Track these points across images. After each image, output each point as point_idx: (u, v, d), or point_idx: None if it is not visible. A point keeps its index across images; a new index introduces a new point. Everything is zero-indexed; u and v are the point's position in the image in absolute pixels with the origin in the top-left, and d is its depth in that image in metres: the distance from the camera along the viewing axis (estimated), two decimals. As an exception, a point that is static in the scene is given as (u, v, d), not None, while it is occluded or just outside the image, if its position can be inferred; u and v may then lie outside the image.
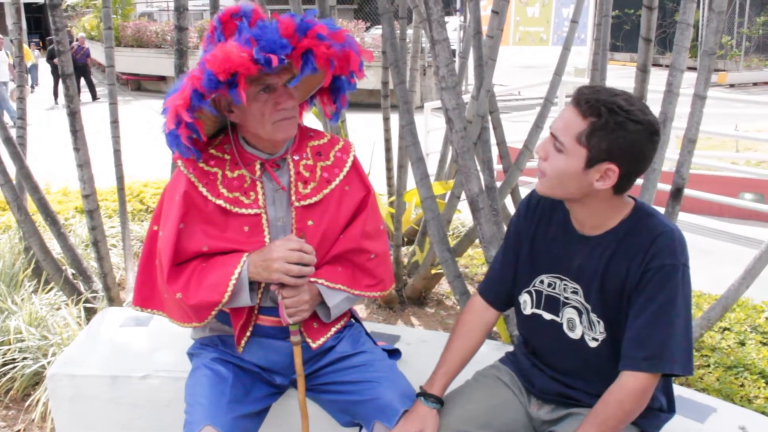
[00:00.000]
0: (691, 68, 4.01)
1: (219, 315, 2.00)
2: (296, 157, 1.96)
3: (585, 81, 6.58)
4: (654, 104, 3.36)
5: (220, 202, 1.89)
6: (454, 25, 17.63)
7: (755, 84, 19.68)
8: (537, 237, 1.81)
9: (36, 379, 3.03)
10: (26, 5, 27.89)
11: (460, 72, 4.26)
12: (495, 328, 3.17)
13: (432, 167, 4.96)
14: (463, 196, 2.75)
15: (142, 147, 9.04)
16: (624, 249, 1.64)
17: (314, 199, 1.94)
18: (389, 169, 4.57)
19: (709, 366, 3.12)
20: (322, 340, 2.00)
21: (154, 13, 27.42)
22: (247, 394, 1.94)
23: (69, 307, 3.35)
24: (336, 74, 1.85)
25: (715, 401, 2.13)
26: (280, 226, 1.93)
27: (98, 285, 3.60)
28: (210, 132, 1.95)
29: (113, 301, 3.51)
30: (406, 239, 4.66)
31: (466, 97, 4.18)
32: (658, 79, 3.53)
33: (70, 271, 3.72)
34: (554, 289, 1.77)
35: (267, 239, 1.90)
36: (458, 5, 16.97)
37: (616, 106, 1.53)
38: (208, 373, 1.95)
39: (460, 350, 1.90)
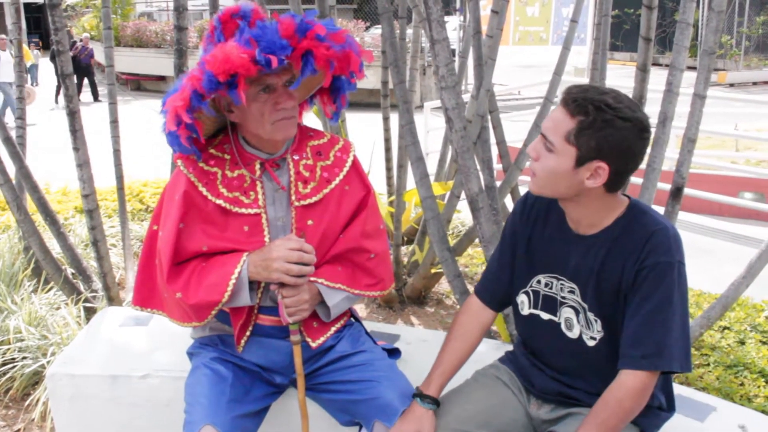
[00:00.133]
0: (691, 68, 4.01)
1: (219, 314, 2.00)
2: (296, 157, 1.96)
3: (585, 80, 6.58)
4: (654, 103, 3.37)
5: (219, 201, 1.89)
6: (453, 24, 17.63)
7: (755, 83, 19.69)
8: (533, 237, 1.81)
9: (36, 379, 3.04)
10: (26, 5, 27.88)
11: (460, 71, 4.26)
12: (495, 327, 3.17)
13: (432, 167, 4.96)
14: (463, 195, 2.75)
15: (141, 147, 9.04)
16: (619, 247, 1.64)
17: (314, 199, 1.94)
18: (389, 169, 4.57)
19: (708, 365, 3.12)
20: (321, 340, 2.00)
21: (153, 12, 27.41)
22: (246, 393, 1.94)
23: (69, 307, 3.35)
24: (336, 74, 1.85)
25: (714, 400, 2.13)
26: (280, 226, 1.93)
27: (98, 284, 3.60)
28: (209, 132, 1.95)
29: (113, 300, 3.51)
30: (405, 238, 4.66)
31: (466, 97, 4.19)
32: (657, 78, 3.53)
33: (69, 270, 3.72)
34: (551, 288, 1.77)
35: (267, 239, 1.90)
36: (458, 5, 16.98)
37: (604, 104, 1.53)
38: (207, 373, 1.95)
39: (457, 351, 1.90)
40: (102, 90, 17.73)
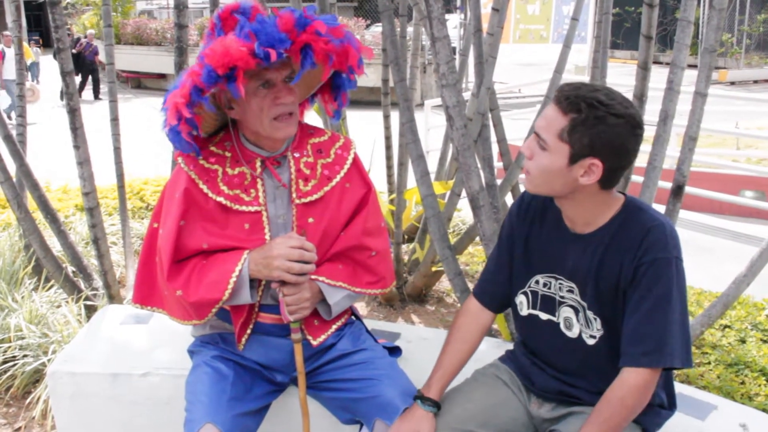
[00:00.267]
0: (692, 66, 4.00)
1: (219, 313, 2.00)
2: (297, 155, 1.96)
3: (585, 79, 6.58)
4: (655, 102, 3.37)
5: (220, 199, 1.89)
6: (454, 22, 17.62)
7: (756, 81, 19.68)
8: (530, 237, 1.81)
9: (36, 377, 3.04)
10: (26, 3, 27.84)
11: (461, 69, 4.26)
12: (495, 326, 3.17)
13: (432, 165, 4.95)
14: (464, 193, 2.75)
15: (142, 145, 9.04)
16: (616, 245, 1.64)
17: (315, 197, 1.94)
18: (390, 167, 4.57)
19: (709, 363, 3.12)
20: (322, 338, 2.00)
21: (154, 10, 27.40)
22: (247, 391, 1.94)
23: (69, 305, 3.35)
24: (335, 69, 1.85)
25: (715, 399, 2.12)
26: (281, 224, 1.92)
27: (98, 283, 3.60)
28: (211, 129, 1.95)
29: (113, 298, 3.51)
30: (406, 237, 4.65)
31: (467, 95, 4.18)
32: (658, 76, 3.53)
33: (70, 268, 3.71)
34: (550, 288, 1.77)
35: (267, 236, 1.90)
36: (458, 3, 16.97)
37: (596, 101, 1.54)
38: (208, 371, 1.95)
39: (457, 353, 1.90)
40: (102, 88, 17.74)
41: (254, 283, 1.89)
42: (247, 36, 1.67)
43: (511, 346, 2.03)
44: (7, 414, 2.93)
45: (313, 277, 1.90)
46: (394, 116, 3.63)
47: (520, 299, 1.84)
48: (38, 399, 2.87)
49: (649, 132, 3.23)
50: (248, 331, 1.98)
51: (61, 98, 17.00)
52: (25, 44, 13.91)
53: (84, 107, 3.31)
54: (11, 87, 13.37)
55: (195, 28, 18.15)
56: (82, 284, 3.63)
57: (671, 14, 20.18)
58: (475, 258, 4.61)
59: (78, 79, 18.16)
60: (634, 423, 1.69)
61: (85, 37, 18.18)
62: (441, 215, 2.86)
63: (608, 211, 1.68)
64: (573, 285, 1.72)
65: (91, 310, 3.39)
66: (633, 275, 1.61)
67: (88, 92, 17.96)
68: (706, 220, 5.67)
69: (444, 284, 4.11)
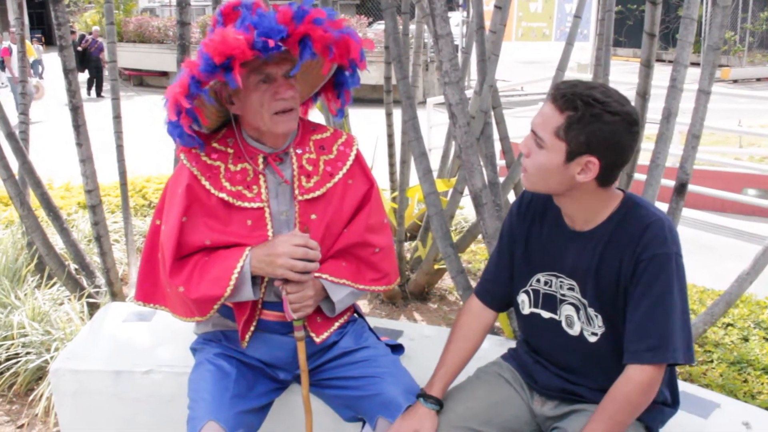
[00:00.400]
0: (694, 63, 4.00)
1: (222, 310, 2.00)
2: (299, 151, 1.96)
3: (588, 76, 6.57)
4: (658, 99, 3.36)
5: (222, 195, 1.89)
6: (456, 20, 17.60)
7: (759, 79, 19.64)
8: (531, 236, 1.81)
9: (39, 374, 3.04)
10: (28, 0, 27.88)
11: (463, 67, 4.25)
12: (498, 323, 3.17)
13: (435, 163, 4.94)
14: (466, 191, 2.75)
15: (144, 142, 9.04)
16: (616, 242, 1.64)
17: (317, 193, 1.94)
18: (392, 165, 4.56)
19: (712, 362, 3.12)
20: (325, 335, 2.00)
21: (156, 8, 27.38)
22: (250, 389, 1.94)
23: (72, 302, 3.35)
24: (337, 63, 1.85)
25: (718, 397, 2.12)
26: (284, 220, 1.92)
27: (101, 280, 3.60)
28: (213, 124, 1.95)
29: (116, 296, 3.51)
30: (408, 234, 4.65)
31: (469, 93, 4.18)
32: (661, 74, 3.52)
33: (72, 266, 3.72)
34: (551, 287, 1.77)
35: (270, 233, 1.90)
36: (461, 0, 16.94)
37: (592, 98, 1.54)
38: (211, 369, 1.95)
39: (460, 351, 1.90)
40: (105, 86, 17.76)
41: (257, 280, 1.89)
42: (246, 28, 1.68)
43: (513, 344, 2.03)
44: (10, 411, 2.93)
45: (316, 274, 1.90)
46: (397, 114, 3.63)
47: (522, 298, 1.84)
48: (41, 396, 2.87)
49: (652, 130, 3.23)
50: (251, 329, 1.98)
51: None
52: (27, 42, 13.93)
53: (88, 105, 3.31)
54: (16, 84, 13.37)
55: (197, 25, 18.14)
56: (84, 282, 3.63)
57: (674, 12, 20.13)
58: (477, 256, 4.61)
59: (86, 75, 18.22)
60: (638, 420, 1.69)
61: (90, 34, 18.20)
62: (443, 213, 2.86)
63: (607, 208, 1.68)
64: (573, 283, 1.72)
65: (93, 308, 3.39)
66: (633, 272, 1.61)
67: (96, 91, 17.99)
68: (708, 218, 5.66)
69: (446, 282, 4.11)
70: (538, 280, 1.80)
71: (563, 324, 1.76)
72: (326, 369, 2.01)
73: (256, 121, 1.86)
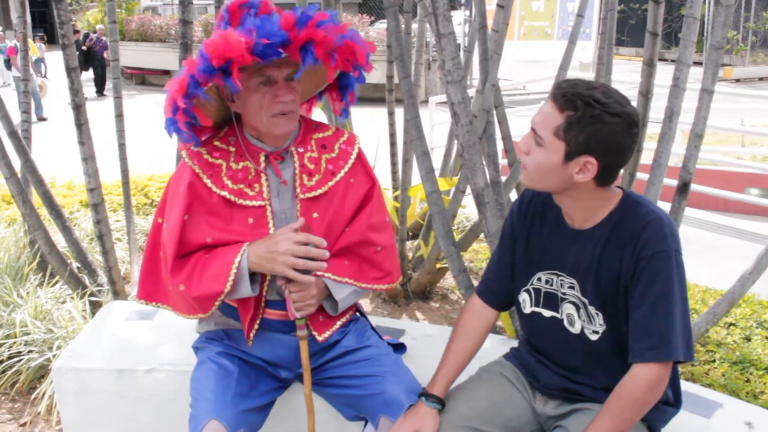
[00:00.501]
0: (697, 63, 3.99)
1: (225, 309, 2.00)
2: (301, 150, 1.96)
3: (590, 75, 6.57)
4: (660, 99, 3.36)
5: (224, 193, 1.88)
6: (458, 19, 17.58)
7: (761, 79, 19.60)
8: (532, 235, 1.81)
9: (42, 372, 3.04)
10: (31, -1, 27.88)
11: (465, 66, 4.25)
12: (500, 323, 3.17)
13: (437, 162, 4.95)
14: (468, 190, 2.75)
15: (146, 141, 9.04)
16: (615, 240, 1.64)
17: (319, 192, 1.93)
18: (394, 164, 4.56)
19: (714, 361, 3.12)
20: (327, 334, 2.00)
21: (158, 7, 27.39)
22: (252, 388, 1.94)
23: (74, 301, 3.36)
24: (340, 70, 1.84)
25: (721, 397, 2.12)
26: (285, 219, 1.92)
27: (103, 278, 3.61)
28: (214, 119, 1.94)
29: (118, 294, 3.51)
30: (410, 233, 4.65)
31: (471, 92, 4.17)
32: (663, 74, 3.52)
33: (75, 264, 3.72)
34: (552, 285, 1.77)
35: (272, 231, 1.89)
36: (463, -1, 16.94)
37: (593, 99, 1.53)
38: (213, 367, 1.95)
39: (461, 350, 1.90)
40: (107, 84, 17.77)
41: (256, 276, 1.88)
42: (248, 31, 1.67)
43: (515, 343, 2.03)
44: (12, 409, 2.94)
45: (319, 273, 1.90)
46: (399, 113, 3.63)
47: (523, 297, 1.84)
48: (43, 394, 2.87)
49: (654, 129, 3.23)
50: (256, 327, 1.97)
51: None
52: (30, 40, 13.93)
53: (92, 104, 3.31)
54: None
55: (199, 24, 18.15)
56: (86, 280, 3.64)
57: (677, 11, 20.11)
58: (479, 255, 4.61)
59: (91, 74, 18.25)
60: (640, 420, 1.69)
61: (95, 32, 18.22)
62: (445, 212, 2.86)
63: (606, 206, 1.68)
64: (574, 281, 1.72)
65: (95, 306, 3.40)
66: (633, 270, 1.61)
67: (92, 89, 18.00)
68: (711, 217, 5.66)
69: (448, 281, 4.11)
70: (539, 279, 1.80)
71: (565, 322, 1.76)
72: (328, 368, 2.01)
73: (254, 121, 1.87)
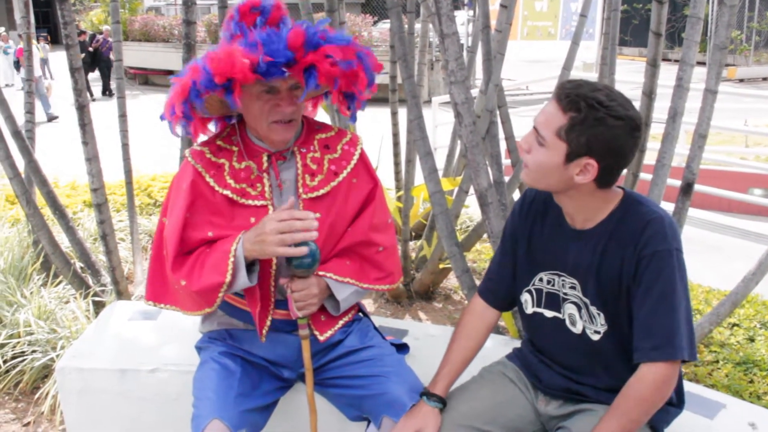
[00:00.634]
0: (700, 63, 3.98)
1: (228, 309, 2.00)
2: (303, 150, 1.96)
3: (594, 76, 6.56)
4: (663, 99, 3.35)
5: (227, 192, 1.89)
6: (461, 19, 17.58)
7: (765, 79, 19.56)
8: (533, 235, 1.81)
9: (45, 372, 3.05)
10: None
11: (469, 66, 4.25)
12: (503, 323, 3.17)
13: (440, 162, 4.95)
14: (472, 190, 2.75)
15: (149, 141, 9.05)
16: (616, 239, 1.64)
17: (321, 192, 1.94)
18: (397, 164, 4.56)
19: (718, 362, 3.11)
20: (329, 333, 2.00)
21: (161, 7, 27.44)
22: (254, 388, 1.94)
23: (77, 301, 3.36)
24: (342, 90, 1.85)
25: (724, 397, 2.11)
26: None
27: (107, 279, 3.61)
28: (217, 112, 1.94)
29: (122, 294, 3.52)
30: (414, 234, 4.65)
31: (475, 92, 4.17)
32: (667, 74, 3.51)
33: (78, 264, 3.73)
34: (553, 285, 1.77)
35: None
36: (466, -1, 16.93)
37: (596, 101, 1.53)
38: (216, 367, 1.95)
39: (463, 350, 1.90)
40: (112, 84, 17.81)
41: (254, 266, 1.86)
42: (253, 46, 1.67)
43: (518, 344, 2.03)
44: (16, 409, 2.94)
45: (320, 273, 1.90)
46: (402, 113, 3.63)
47: (525, 297, 1.84)
48: (47, 394, 2.88)
49: (658, 129, 3.23)
50: (268, 323, 1.95)
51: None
52: (34, 41, 13.99)
53: (100, 104, 3.32)
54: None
55: (202, 24, 18.18)
56: (90, 280, 3.64)
57: (680, 11, 20.08)
58: (482, 255, 4.61)
59: (97, 75, 18.29)
60: (642, 421, 1.69)
61: (101, 33, 18.26)
62: (449, 212, 2.86)
63: (607, 206, 1.68)
64: (575, 281, 1.72)
65: (99, 306, 3.41)
66: (635, 269, 1.61)
67: (98, 89, 18.03)
68: (714, 218, 5.64)
69: (451, 281, 4.11)
70: (541, 279, 1.80)
71: (567, 322, 1.76)
72: (331, 368, 2.01)
73: (255, 124, 1.87)
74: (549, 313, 1.79)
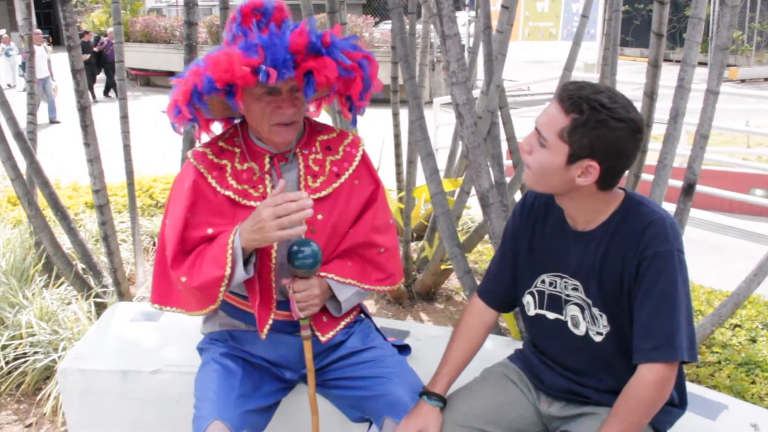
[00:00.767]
0: (701, 63, 3.98)
1: (229, 310, 2.00)
2: (305, 151, 1.96)
3: (595, 76, 6.56)
4: (665, 99, 3.35)
5: (228, 193, 1.89)
6: (463, 20, 17.58)
7: (766, 79, 19.55)
8: (534, 237, 1.81)
9: (47, 374, 3.05)
10: (36, 0, 28.00)
11: (470, 67, 4.25)
12: (504, 324, 3.17)
13: (441, 163, 4.95)
14: (473, 191, 2.75)
15: (151, 142, 9.06)
16: (618, 240, 1.64)
17: (324, 193, 1.94)
18: (399, 165, 4.56)
19: (719, 363, 3.11)
20: (331, 334, 2.00)
21: (163, 8, 27.46)
22: (256, 389, 1.94)
23: (79, 302, 3.36)
24: (340, 94, 1.86)
25: (726, 398, 2.11)
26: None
27: (108, 280, 3.61)
28: (220, 113, 1.94)
29: (123, 295, 3.52)
30: (415, 235, 4.65)
31: (476, 93, 4.17)
32: (668, 74, 3.51)
33: (80, 265, 3.73)
34: (555, 287, 1.77)
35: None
36: (467, 0, 16.92)
37: (599, 103, 1.53)
38: (217, 368, 1.95)
39: (463, 350, 1.90)
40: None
41: (251, 258, 1.84)
42: (255, 49, 1.67)
43: (520, 345, 2.03)
44: (18, 410, 2.95)
45: (322, 274, 1.90)
46: (404, 114, 3.63)
47: (527, 299, 1.84)
48: (49, 395, 2.88)
49: (659, 130, 3.22)
50: (270, 322, 1.94)
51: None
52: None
53: (104, 105, 3.32)
54: (40, 85, 13.28)
55: (204, 25, 18.20)
56: (92, 281, 3.65)
57: (681, 11, 20.07)
58: (484, 256, 4.60)
59: (103, 76, 18.34)
60: (644, 422, 1.69)
61: (106, 35, 18.29)
62: (450, 213, 2.86)
63: (608, 207, 1.68)
64: (577, 283, 1.72)
65: (101, 308, 3.41)
66: (636, 270, 1.61)
67: (100, 89, 18.06)
68: (716, 218, 5.64)
69: (453, 282, 4.11)
70: (543, 281, 1.80)
71: (569, 324, 1.75)
72: (333, 369, 2.01)
73: (256, 126, 1.88)
74: (551, 315, 1.79)
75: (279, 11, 1.77)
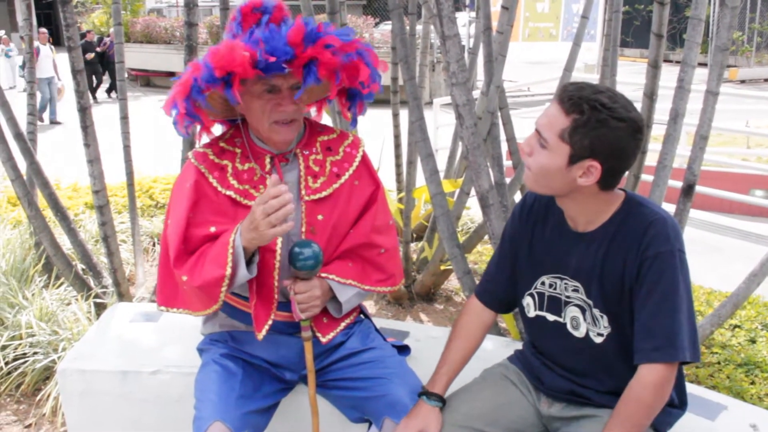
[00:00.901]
0: (701, 64, 3.98)
1: (229, 310, 2.00)
2: (306, 152, 1.96)
3: (595, 77, 6.57)
4: (665, 100, 3.35)
5: (229, 193, 1.89)
6: (463, 21, 17.57)
7: (766, 80, 19.55)
8: (534, 239, 1.81)
9: (47, 374, 3.05)
10: (36, 1, 28.00)
11: (470, 68, 4.25)
12: (504, 325, 3.17)
13: (441, 163, 4.95)
14: (473, 192, 2.75)
15: (151, 143, 9.06)
16: (618, 241, 1.64)
17: (324, 194, 1.94)
18: (399, 165, 4.57)
19: (719, 363, 3.11)
20: (331, 335, 2.00)
21: (163, 9, 27.45)
22: (256, 389, 1.94)
23: (79, 303, 3.36)
24: (345, 86, 1.85)
25: (725, 399, 2.11)
26: (290, 220, 1.91)
27: (108, 280, 3.61)
28: (221, 113, 1.94)
29: (123, 296, 3.52)
30: (415, 235, 4.65)
31: (476, 93, 4.17)
32: (668, 75, 3.51)
33: (80, 266, 3.73)
34: (555, 289, 1.77)
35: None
36: (467, 1, 16.92)
37: (599, 103, 1.53)
38: (217, 369, 1.95)
39: (461, 350, 1.91)
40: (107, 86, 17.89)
41: (254, 258, 1.84)
42: (255, 42, 1.67)
43: (520, 346, 2.03)
44: (17, 411, 2.95)
45: (323, 274, 1.90)
46: (404, 114, 3.63)
47: (527, 301, 1.84)
48: (48, 396, 2.88)
49: (659, 131, 3.23)
50: (270, 323, 1.93)
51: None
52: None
53: (106, 106, 3.32)
54: (42, 85, 13.25)
55: (204, 26, 18.19)
56: (91, 282, 3.65)
57: (681, 12, 20.07)
58: (483, 257, 4.60)
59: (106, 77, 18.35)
60: (644, 422, 1.69)
61: (108, 36, 18.29)
62: (450, 214, 2.86)
63: (609, 208, 1.68)
64: (578, 284, 1.72)
65: (100, 308, 3.41)
66: (638, 271, 1.61)
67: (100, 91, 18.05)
68: (716, 219, 5.64)
69: (453, 283, 4.11)
70: (543, 283, 1.80)
71: (569, 326, 1.75)
72: (333, 370, 2.01)
73: (256, 125, 1.88)
74: (551, 317, 1.79)
75: (278, 10, 1.78)
